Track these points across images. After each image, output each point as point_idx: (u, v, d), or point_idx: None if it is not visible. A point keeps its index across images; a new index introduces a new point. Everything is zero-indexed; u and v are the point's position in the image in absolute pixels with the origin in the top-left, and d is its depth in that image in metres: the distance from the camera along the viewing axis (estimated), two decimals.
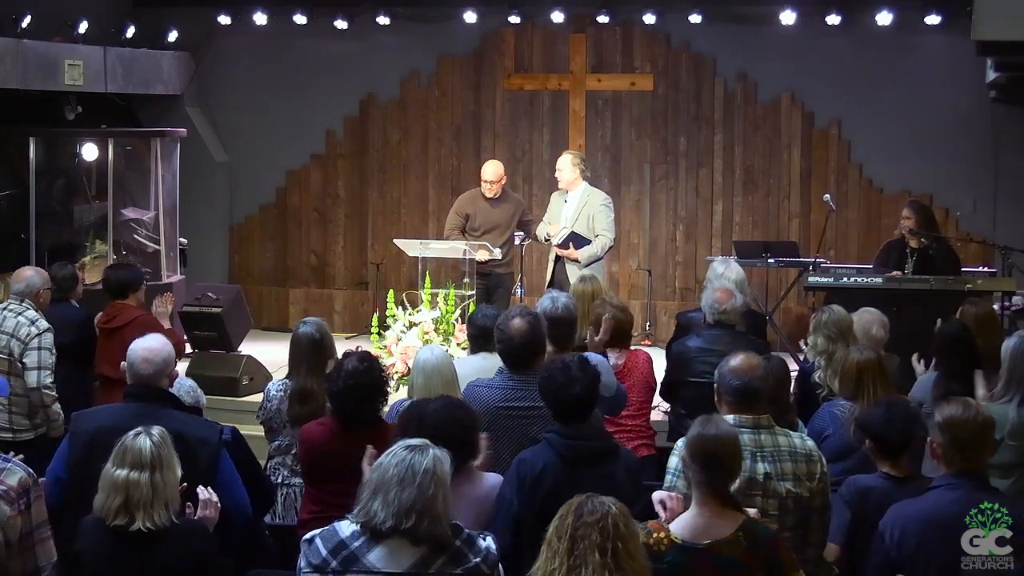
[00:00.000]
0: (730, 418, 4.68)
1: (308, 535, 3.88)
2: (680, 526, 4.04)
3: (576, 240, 9.68)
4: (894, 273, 9.40)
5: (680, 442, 4.76)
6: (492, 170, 10.17)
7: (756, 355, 4.90)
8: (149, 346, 5.18)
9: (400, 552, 3.75)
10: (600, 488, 4.55)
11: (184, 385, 5.52)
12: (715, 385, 4.82)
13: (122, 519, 4.15)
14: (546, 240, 9.99)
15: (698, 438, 4.09)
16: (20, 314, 7.10)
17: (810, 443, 4.77)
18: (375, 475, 3.79)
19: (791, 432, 4.80)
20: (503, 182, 10.23)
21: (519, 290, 10.53)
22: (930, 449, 4.35)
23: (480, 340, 6.30)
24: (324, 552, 3.78)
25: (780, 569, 4.01)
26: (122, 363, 5.23)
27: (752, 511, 4.18)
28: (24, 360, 7.03)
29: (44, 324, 7.11)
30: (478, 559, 3.80)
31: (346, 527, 3.82)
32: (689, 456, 4.08)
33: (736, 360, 4.76)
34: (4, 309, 7.17)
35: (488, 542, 3.86)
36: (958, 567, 4.13)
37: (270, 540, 5.50)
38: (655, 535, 4.00)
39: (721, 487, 4.06)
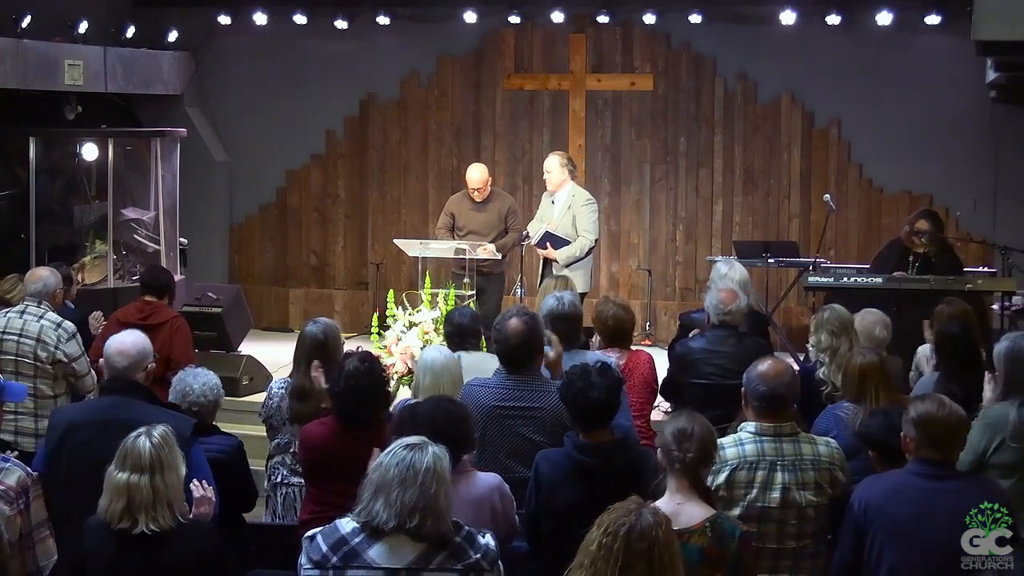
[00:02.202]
0: (751, 426, 4.70)
1: (310, 532, 3.89)
2: None
3: (552, 240, 9.68)
4: (895, 273, 9.38)
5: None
6: (477, 176, 10.13)
7: (783, 361, 4.90)
8: (123, 339, 5.31)
9: (401, 548, 3.76)
10: (617, 498, 4.59)
11: (209, 382, 5.52)
12: (742, 389, 4.81)
13: (126, 522, 4.14)
14: (526, 239, 10.00)
15: (688, 423, 4.22)
16: (42, 317, 7.00)
17: (836, 453, 4.74)
18: (375, 475, 3.79)
19: (817, 439, 4.78)
20: (489, 183, 10.22)
21: (519, 290, 10.53)
22: (903, 444, 4.38)
23: (456, 338, 6.34)
24: (324, 548, 3.80)
25: (741, 570, 4.04)
26: (100, 360, 5.31)
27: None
28: (73, 365, 6.97)
29: (70, 325, 7.04)
30: (478, 555, 3.81)
31: (347, 524, 3.83)
32: (675, 440, 4.16)
33: (764, 365, 4.75)
34: (24, 312, 7.04)
35: (487, 539, 3.87)
36: (919, 539, 4.20)
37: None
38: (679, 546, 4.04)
39: (702, 475, 4.16)
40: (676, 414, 4.32)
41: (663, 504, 4.11)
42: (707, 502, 4.16)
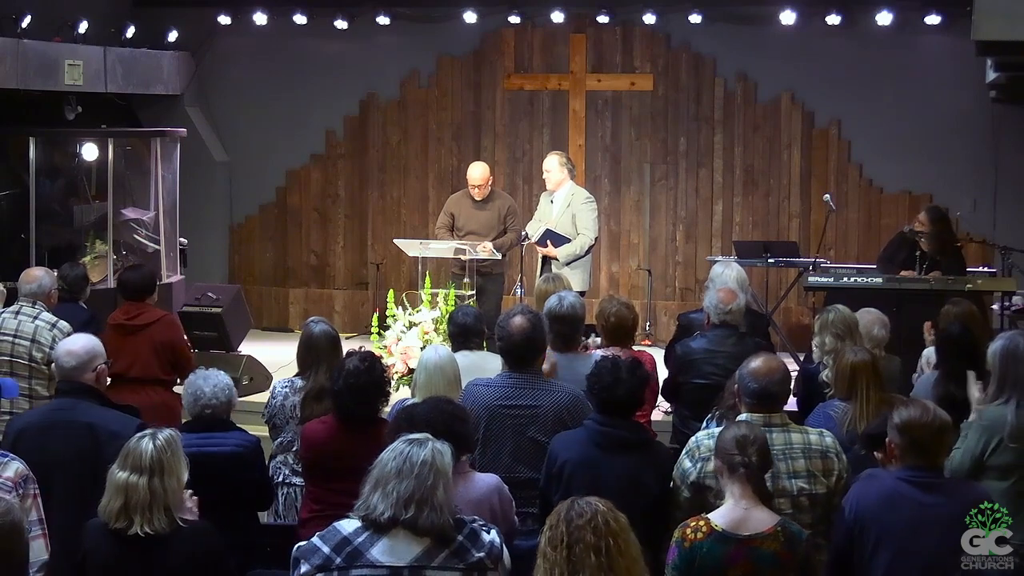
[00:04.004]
0: (743, 417, 4.75)
1: (296, 548, 3.87)
2: (719, 516, 4.12)
3: (553, 238, 9.68)
4: (903, 272, 9.35)
5: (697, 443, 4.81)
6: (478, 173, 10.11)
7: (777, 358, 4.95)
8: (74, 341, 5.39)
9: (403, 545, 3.75)
10: (625, 477, 4.65)
11: (220, 383, 5.49)
12: (735, 385, 4.88)
13: (122, 522, 4.14)
14: (526, 239, 10.01)
15: (748, 430, 4.24)
16: (36, 317, 6.98)
17: (828, 440, 4.80)
18: (375, 469, 3.80)
19: (809, 429, 4.84)
20: (490, 182, 10.21)
21: (519, 290, 10.53)
22: (887, 450, 4.39)
23: (460, 338, 6.36)
24: (327, 550, 3.79)
25: (810, 572, 4.07)
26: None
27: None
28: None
29: (65, 325, 7.00)
30: (481, 553, 3.79)
31: (348, 524, 3.83)
32: (737, 446, 4.15)
33: (756, 362, 4.81)
34: (18, 313, 7.02)
35: (492, 535, 3.86)
36: (913, 548, 4.21)
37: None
38: (693, 523, 4.10)
39: (763, 481, 4.17)
40: (730, 423, 4.34)
41: (728, 511, 4.12)
42: (768, 507, 4.17)
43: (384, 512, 3.73)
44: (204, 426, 5.30)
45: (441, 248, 10.03)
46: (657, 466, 4.93)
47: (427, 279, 9.44)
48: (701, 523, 4.09)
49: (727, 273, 7.16)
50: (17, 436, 5.15)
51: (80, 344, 5.33)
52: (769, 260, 10.69)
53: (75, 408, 5.14)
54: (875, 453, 4.81)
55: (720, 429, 4.76)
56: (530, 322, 5.57)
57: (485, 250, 9.73)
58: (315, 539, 3.84)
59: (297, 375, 6.19)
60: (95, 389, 5.30)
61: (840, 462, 4.74)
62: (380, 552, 3.75)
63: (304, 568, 3.81)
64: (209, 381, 5.43)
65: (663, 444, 5.39)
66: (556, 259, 9.69)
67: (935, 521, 4.23)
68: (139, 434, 4.26)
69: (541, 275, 9.80)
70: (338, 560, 3.77)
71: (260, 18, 12.54)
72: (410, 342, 9.00)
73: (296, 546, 3.90)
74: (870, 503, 4.30)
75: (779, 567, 4.02)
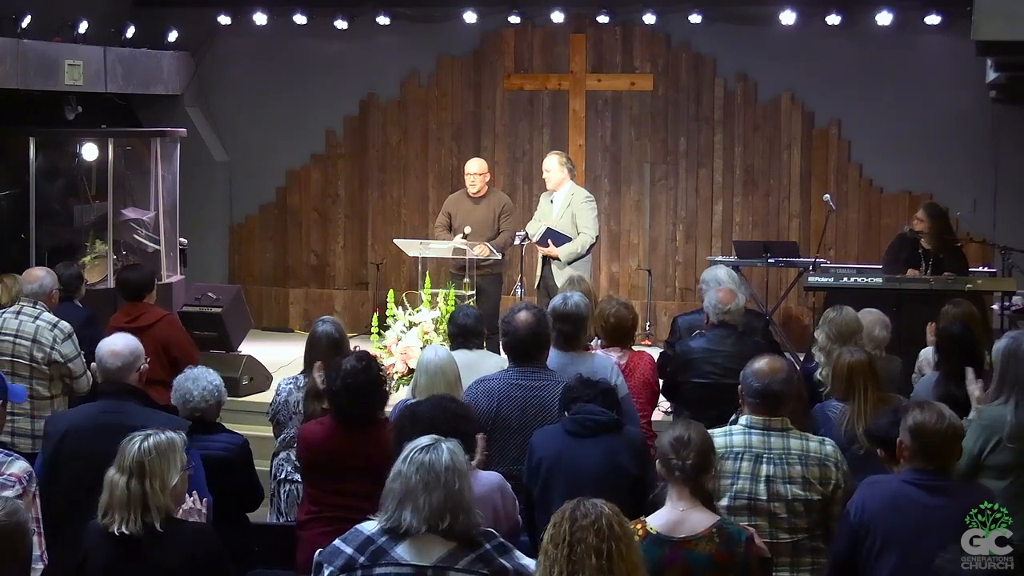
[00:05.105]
0: (744, 419, 4.75)
1: (318, 553, 3.86)
2: (655, 519, 4.12)
3: (554, 237, 9.68)
4: (910, 272, 9.34)
5: None
6: (475, 168, 10.13)
7: (780, 359, 4.95)
8: (115, 341, 5.33)
9: (429, 545, 3.74)
10: (601, 460, 4.78)
11: (208, 386, 5.49)
12: (739, 386, 4.87)
13: (108, 519, 4.16)
14: (526, 239, 10.00)
15: (684, 430, 4.21)
16: (37, 318, 6.97)
17: (829, 448, 4.76)
18: (397, 484, 3.76)
19: (810, 436, 4.81)
20: (487, 178, 10.20)
21: (519, 290, 10.53)
22: (897, 449, 4.39)
23: (460, 338, 6.41)
24: (350, 551, 3.78)
25: (750, 574, 4.04)
26: (92, 364, 5.32)
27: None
28: (69, 366, 6.93)
29: (66, 325, 7.00)
30: (509, 565, 3.78)
31: (371, 525, 3.81)
32: (672, 449, 4.14)
33: (760, 362, 4.81)
34: (19, 313, 7.00)
35: (525, 560, 3.83)
36: (917, 549, 4.19)
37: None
38: (631, 527, 4.07)
39: (702, 482, 4.15)
40: (672, 423, 4.36)
41: (666, 513, 4.12)
42: (710, 508, 4.17)
43: (420, 527, 3.71)
44: (191, 428, 5.29)
45: (441, 248, 10.03)
46: (632, 448, 5.04)
47: (427, 279, 9.44)
48: (638, 526, 4.07)
49: (719, 276, 7.16)
50: (63, 437, 5.09)
51: (123, 344, 5.27)
52: (769, 260, 10.69)
53: (122, 410, 5.06)
54: (878, 451, 4.82)
55: (723, 429, 4.77)
56: (535, 317, 5.70)
57: (483, 251, 9.71)
58: (336, 542, 3.83)
59: (301, 373, 6.22)
60: (139, 390, 5.26)
61: (839, 471, 4.71)
62: (404, 551, 3.74)
63: (328, 571, 3.80)
64: (198, 384, 5.43)
65: (637, 430, 5.47)
66: (557, 259, 9.68)
67: (940, 523, 4.20)
68: (135, 433, 4.25)
69: (543, 275, 9.84)
70: (362, 559, 3.75)
71: (260, 18, 12.55)
72: (410, 342, 9.01)
73: (317, 551, 3.89)
74: (875, 505, 4.29)
75: (716, 568, 4.01)
